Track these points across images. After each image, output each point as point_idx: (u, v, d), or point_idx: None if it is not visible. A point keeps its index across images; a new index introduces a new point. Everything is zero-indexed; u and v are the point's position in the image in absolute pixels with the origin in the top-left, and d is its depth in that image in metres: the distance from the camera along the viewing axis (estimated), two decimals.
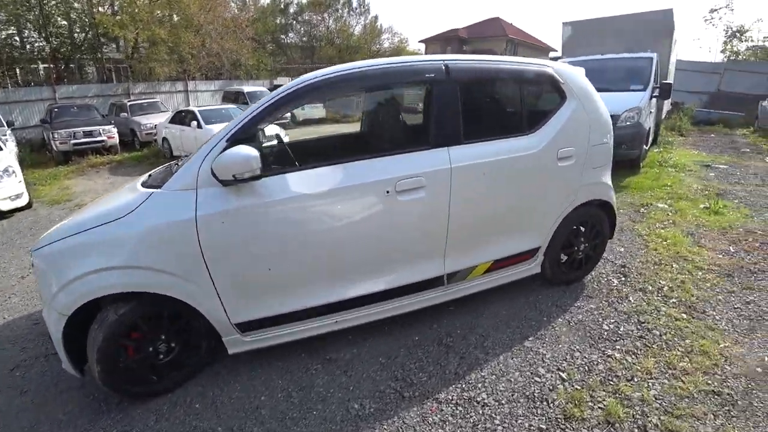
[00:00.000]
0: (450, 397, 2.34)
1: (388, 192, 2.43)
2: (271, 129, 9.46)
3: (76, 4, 19.48)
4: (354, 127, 4.05)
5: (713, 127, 14.18)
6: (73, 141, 11.38)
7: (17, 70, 20.17)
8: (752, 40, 24.03)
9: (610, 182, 3.35)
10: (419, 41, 39.33)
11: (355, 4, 35.33)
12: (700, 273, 3.70)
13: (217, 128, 7.27)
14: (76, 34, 20.51)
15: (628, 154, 7.39)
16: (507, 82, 3.01)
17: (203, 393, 2.47)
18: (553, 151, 2.90)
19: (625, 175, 7.38)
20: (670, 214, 5.37)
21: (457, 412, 2.25)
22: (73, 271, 2.14)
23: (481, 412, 2.24)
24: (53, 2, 18.88)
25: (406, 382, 2.48)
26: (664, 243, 4.37)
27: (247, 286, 2.34)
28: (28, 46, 20.22)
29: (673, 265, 3.85)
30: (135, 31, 18.97)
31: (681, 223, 5.02)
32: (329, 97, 2.63)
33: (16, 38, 19.75)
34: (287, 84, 2.44)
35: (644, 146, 7.76)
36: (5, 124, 11.04)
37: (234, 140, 2.25)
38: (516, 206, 2.91)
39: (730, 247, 4.29)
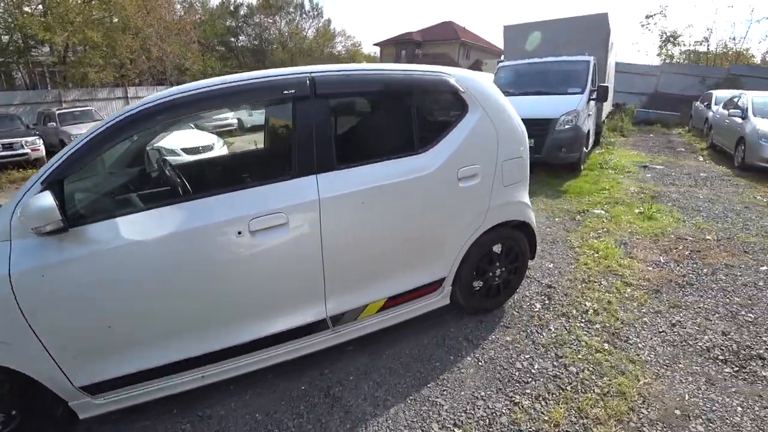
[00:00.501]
0: None
1: (240, 233, 2.05)
2: (206, 138, 9.01)
3: None
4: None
5: (652, 126, 14.60)
6: None
7: None
8: (684, 45, 25.27)
9: (527, 199, 3.02)
10: (374, 44, 39.25)
11: (307, 7, 34.74)
12: (628, 290, 3.47)
13: None
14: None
15: (567, 158, 7.30)
16: (393, 94, 2.61)
17: None
18: (452, 171, 2.54)
19: (566, 179, 7.28)
20: (605, 221, 5.21)
21: None
22: None
23: None
24: None
25: None
26: (596, 255, 4.15)
27: (87, 346, 2.00)
28: None
29: (602, 282, 3.61)
30: (64, 34, 17.65)
31: (615, 231, 4.85)
32: (172, 121, 2.25)
33: None
34: (120, 111, 2.07)
35: (584, 149, 7.70)
36: None
37: (51, 182, 1.85)
38: (409, 237, 2.53)
39: (661, 257, 4.12)
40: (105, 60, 19.64)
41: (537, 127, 7.20)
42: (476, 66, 30.69)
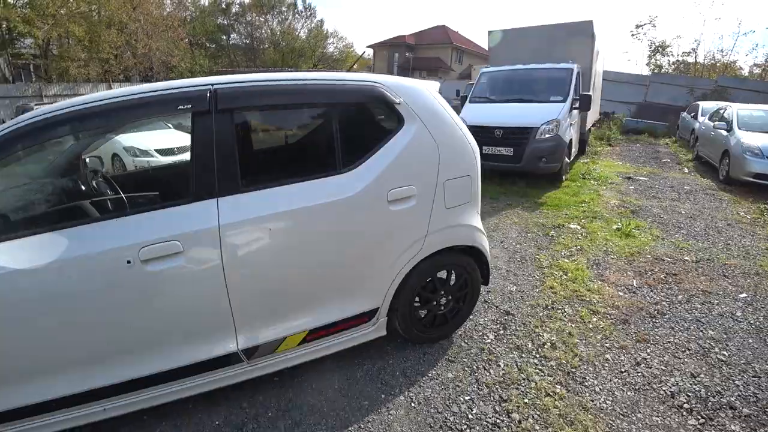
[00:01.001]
0: None
1: (129, 262, 1.81)
2: (183, 139, 8.62)
3: None
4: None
5: (640, 136, 14.42)
6: None
7: None
8: (673, 55, 25.27)
9: (477, 222, 2.69)
10: (367, 46, 39.02)
11: (300, 7, 34.43)
12: (593, 320, 3.18)
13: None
14: None
15: (547, 168, 7.05)
16: (313, 106, 2.32)
17: None
18: (381, 193, 2.22)
19: (546, 190, 7.03)
20: (580, 237, 4.93)
21: None
22: None
23: None
24: None
25: None
26: (564, 277, 3.86)
27: None
28: None
29: (566, 310, 3.31)
30: (45, 27, 17.22)
31: (589, 249, 4.57)
32: (47, 141, 1.99)
33: None
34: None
35: (566, 159, 7.45)
36: None
37: None
38: (329, 266, 2.23)
39: (634, 281, 3.84)
40: (88, 55, 19.21)
41: (517, 135, 6.95)
42: (467, 71, 30.52)
